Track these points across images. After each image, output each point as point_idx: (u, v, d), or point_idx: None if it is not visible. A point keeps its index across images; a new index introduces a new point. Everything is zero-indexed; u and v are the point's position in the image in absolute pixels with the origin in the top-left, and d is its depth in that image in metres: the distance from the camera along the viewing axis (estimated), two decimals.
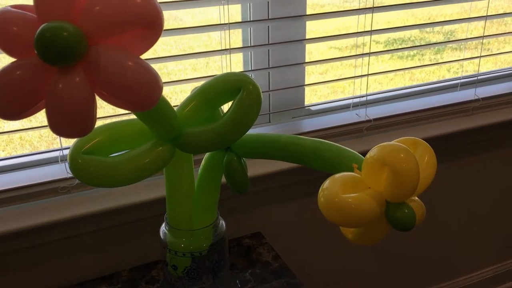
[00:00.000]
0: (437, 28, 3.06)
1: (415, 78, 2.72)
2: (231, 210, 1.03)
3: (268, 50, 1.04)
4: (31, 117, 0.47)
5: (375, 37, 1.08)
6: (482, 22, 1.20)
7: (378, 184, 0.58)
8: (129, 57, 0.42)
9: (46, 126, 0.86)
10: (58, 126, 0.43)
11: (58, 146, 0.94)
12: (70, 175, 0.91)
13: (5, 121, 0.93)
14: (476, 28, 1.32)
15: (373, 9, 1.06)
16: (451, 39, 3.13)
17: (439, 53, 3.08)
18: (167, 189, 0.73)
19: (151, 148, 0.63)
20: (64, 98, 0.41)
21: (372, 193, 0.57)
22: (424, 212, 0.62)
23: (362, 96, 1.16)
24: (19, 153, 1.95)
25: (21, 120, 0.48)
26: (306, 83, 1.11)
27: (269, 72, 1.06)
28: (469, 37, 1.27)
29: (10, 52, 0.43)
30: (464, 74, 1.30)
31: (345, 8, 1.08)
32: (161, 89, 0.45)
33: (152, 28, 0.42)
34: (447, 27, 3.06)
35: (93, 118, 0.44)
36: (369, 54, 1.10)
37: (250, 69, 1.05)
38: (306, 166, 0.68)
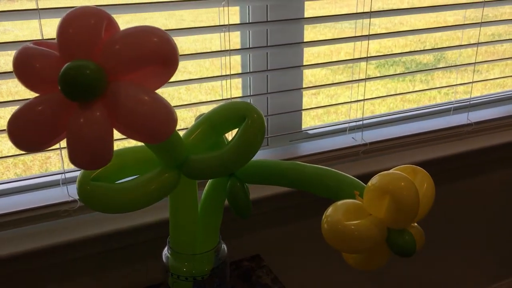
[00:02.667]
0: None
1: (406, 99, 2.77)
2: (230, 233, 1.04)
3: (267, 75, 1.06)
4: None
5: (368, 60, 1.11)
6: (473, 44, 1.24)
7: (379, 211, 0.60)
8: (146, 92, 0.44)
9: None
10: (78, 159, 0.45)
11: (57, 169, 0.95)
12: (72, 198, 0.92)
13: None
14: (466, 50, 1.36)
15: (369, 37, 1.09)
16: (441, 60, 3.19)
17: (430, 74, 3.13)
18: (171, 214, 0.74)
19: (157, 175, 0.64)
20: (85, 132, 0.43)
21: (374, 220, 0.59)
22: (424, 238, 0.64)
23: (359, 120, 1.18)
24: (12, 172, 1.96)
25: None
26: (302, 107, 1.13)
27: (267, 97, 1.08)
28: (461, 61, 1.31)
29: (32, 87, 0.45)
30: (456, 96, 1.34)
31: (337, 29, 1.11)
32: (175, 122, 0.47)
33: (168, 64, 0.44)
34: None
35: (111, 151, 0.46)
36: (365, 79, 1.13)
37: (249, 94, 1.08)
38: (308, 191, 0.70)
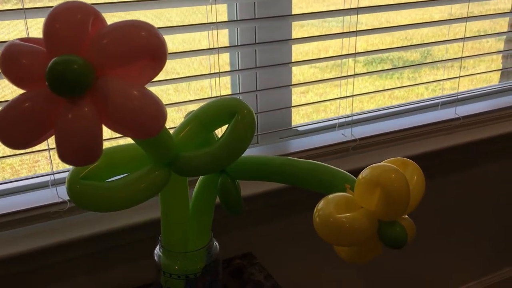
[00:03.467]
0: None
1: (394, 96, 2.79)
2: (221, 230, 1.04)
3: (256, 72, 1.06)
4: None
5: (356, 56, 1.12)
6: (459, 41, 1.25)
7: (370, 204, 0.60)
8: (134, 87, 0.43)
9: (30, 152, 0.87)
10: (67, 155, 0.45)
11: (46, 170, 0.94)
12: (62, 199, 0.91)
13: None
14: (452, 46, 1.37)
15: (357, 33, 1.09)
16: (428, 57, 3.22)
17: (417, 71, 3.16)
18: (162, 212, 0.74)
19: (147, 173, 0.64)
20: (73, 128, 0.43)
21: (365, 212, 0.59)
22: (415, 230, 0.64)
23: (348, 116, 1.19)
24: None
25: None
26: (292, 104, 1.14)
27: (256, 95, 1.08)
28: (447, 58, 1.31)
29: (19, 84, 0.45)
30: (443, 92, 1.35)
31: (324, 28, 1.11)
32: (165, 117, 0.46)
33: (157, 59, 0.44)
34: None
35: (100, 147, 0.45)
36: (353, 75, 1.14)
37: (238, 91, 1.08)
38: (300, 187, 0.70)
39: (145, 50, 0.43)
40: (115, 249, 0.96)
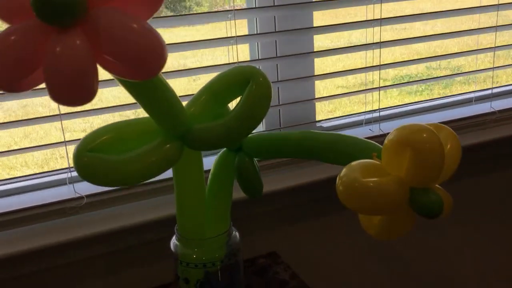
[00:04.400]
0: (443, 65, 3.08)
1: None
2: (244, 230, 0.99)
3: (278, 87, 1.02)
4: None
5: (382, 74, 1.07)
6: (489, 57, 1.19)
7: (399, 170, 0.54)
8: (133, 19, 0.40)
9: (46, 145, 0.86)
10: (56, 92, 0.41)
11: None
12: (79, 194, 0.89)
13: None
14: (483, 63, 1.31)
15: (380, 44, 1.05)
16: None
17: (448, 87, 3.07)
18: (177, 195, 0.70)
19: (158, 146, 0.60)
20: (63, 61, 0.39)
21: (394, 178, 0.54)
22: (452, 203, 0.58)
23: (375, 111, 1.13)
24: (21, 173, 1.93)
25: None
26: (315, 110, 1.09)
27: (279, 110, 1.04)
28: (479, 75, 1.25)
29: (7, 18, 0.42)
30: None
31: (354, 62, 1.07)
32: (166, 55, 0.43)
33: None
34: (454, 63, 3.08)
35: (93, 85, 0.41)
36: (379, 88, 1.09)
37: None
38: (320, 161, 0.65)
39: None
40: (133, 247, 0.92)
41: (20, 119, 0.86)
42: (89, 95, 0.41)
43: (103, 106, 0.89)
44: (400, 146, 0.53)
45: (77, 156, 0.58)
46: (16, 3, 0.41)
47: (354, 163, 0.55)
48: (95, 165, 0.58)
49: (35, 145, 0.88)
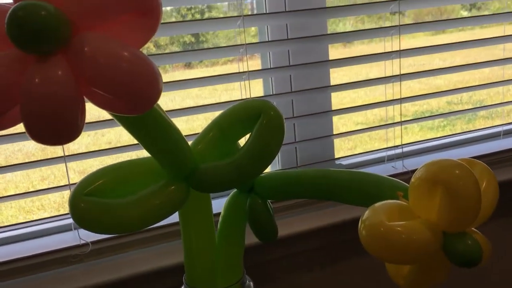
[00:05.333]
0: (465, 99, 3.01)
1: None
2: (258, 279, 0.92)
3: (294, 123, 0.98)
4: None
5: (402, 111, 1.02)
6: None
7: (430, 212, 0.48)
8: (122, 46, 0.35)
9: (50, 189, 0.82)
10: (35, 129, 0.36)
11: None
12: (84, 241, 0.84)
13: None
14: (506, 97, 1.25)
15: (401, 77, 1.00)
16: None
17: (471, 122, 3.00)
18: (184, 241, 0.64)
19: (162, 188, 0.55)
20: (42, 94, 0.35)
21: (425, 221, 0.47)
22: (491, 248, 0.51)
23: (397, 147, 1.07)
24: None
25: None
26: (334, 147, 1.03)
27: (296, 147, 0.99)
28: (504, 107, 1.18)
29: None
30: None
31: (370, 84, 1.02)
32: (160, 85, 0.38)
33: (147, 13, 0.36)
34: (476, 97, 3.01)
35: (78, 121, 0.37)
36: (400, 123, 1.03)
37: None
38: (339, 202, 0.59)
39: (132, 0, 0.35)
40: None
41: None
42: (73, 133, 0.37)
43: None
44: (430, 184, 0.47)
45: (73, 201, 0.53)
46: None
47: (378, 204, 0.49)
48: (92, 211, 0.53)
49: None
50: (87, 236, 0.85)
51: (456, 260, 0.47)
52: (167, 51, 1.12)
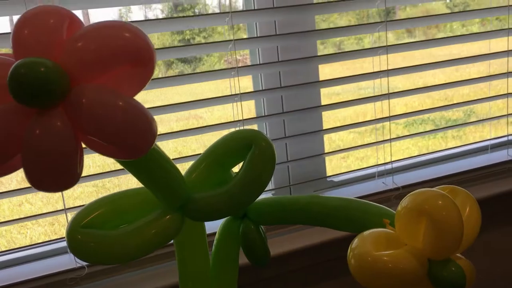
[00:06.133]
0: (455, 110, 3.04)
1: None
2: None
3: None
4: None
5: (392, 126, 1.05)
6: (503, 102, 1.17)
7: (415, 240, 0.50)
8: (118, 96, 0.37)
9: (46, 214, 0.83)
10: (36, 178, 0.38)
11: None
12: (80, 264, 0.85)
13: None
14: (496, 104, 1.27)
15: (389, 95, 1.03)
16: (471, 115, 3.09)
17: (462, 129, 3.03)
18: (179, 268, 0.65)
19: (157, 218, 0.57)
20: (43, 145, 0.36)
21: (411, 249, 0.49)
22: (474, 272, 0.53)
23: (387, 163, 1.09)
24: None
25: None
26: (326, 155, 1.05)
27: (286, 151, 1.00)
28: (491, 114, 1.21)
29: None
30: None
31: (360, 95, 1.04)
32: (155, 133, 0.40)
33: (141, 64, 0.38)
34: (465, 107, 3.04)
35: (77, 169, 0.38)
36: (390, 140, 1.06)
37: None
38: (330, 228, 0.60)
39: (128, 52, 0.37)
40: None
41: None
42: (72, 180, 0.38)
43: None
44: (415, 214, 0.49)
45: (70, 233, 0.55)
46: None
47: (366, 233, 0.51)
48: (89, 242, 0.54)
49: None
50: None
51: (441, 286, 0.49)
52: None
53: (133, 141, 0.38)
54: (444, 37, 1.10)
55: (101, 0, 0.82)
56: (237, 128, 0.89)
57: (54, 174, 0.38)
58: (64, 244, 0.90)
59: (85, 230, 0.55)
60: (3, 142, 0.38)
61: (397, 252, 0.48)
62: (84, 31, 0.38)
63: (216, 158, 0.59)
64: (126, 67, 0.38)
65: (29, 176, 0.38)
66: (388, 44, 1.01)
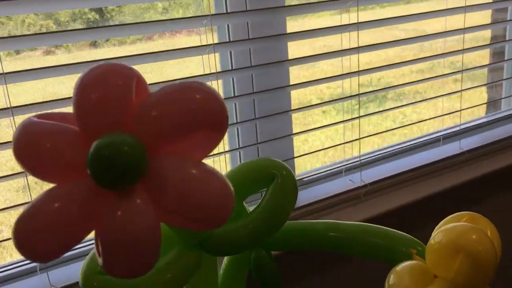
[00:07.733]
0: (374, 82, 3.15)
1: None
2: None
3: (256, 123, 0.97)
4: None
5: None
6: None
7: (447, 272, 0.51)
8: (193, 165, 0.33)
9: None
10: (116, 265, 0.33)
11: None
12: (55, 287, 0.78)
13: None
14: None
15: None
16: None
17: (382, 104, 3.14)
18: None
19: (175, 258, 0.53)
20: (126, 228, 0.32)
21: (444, 284, 0.50)
22: None
23: (355, 159, 1.10)
24: None
25: None
26: (293, 152, 1.05)
27: (257, 147, 0.98)
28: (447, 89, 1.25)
29: (43, 176, 0.33)
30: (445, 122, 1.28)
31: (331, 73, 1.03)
32: (233, 197, 0.36)
33: (217, 128, 0.34)
34: (384, 80, 3.15)
35: (158, 249, 0.34)
36: (358, 117, 1.07)
37: (238, 146, 0.98)
38: (348, 255, 0.60)
39: (204, 118, 0.33)
40: None
41: None
42: (152, 263, 0.34)
43: None
44: (451, 250, 0.50)
45: (85, 280, 0.50)
46: (56, 161, 0.32)
47: (399, 267, 0.51)
48: None
49: None
50: (58, 281, 0.79)
51: None
52: (69, 28, 1.01)
53: (213, 209, 0.34)
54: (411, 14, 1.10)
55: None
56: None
57: (136, 258, 0.33)
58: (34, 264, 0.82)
59: (101, 277, 0.50)
60: (76, 225, 0.32)
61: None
62: (157, 97, 0.33)
63: (235, 188, 0.56)
64: (201, 133, 0.34)
65: (109, 261, 0.33)
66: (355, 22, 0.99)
